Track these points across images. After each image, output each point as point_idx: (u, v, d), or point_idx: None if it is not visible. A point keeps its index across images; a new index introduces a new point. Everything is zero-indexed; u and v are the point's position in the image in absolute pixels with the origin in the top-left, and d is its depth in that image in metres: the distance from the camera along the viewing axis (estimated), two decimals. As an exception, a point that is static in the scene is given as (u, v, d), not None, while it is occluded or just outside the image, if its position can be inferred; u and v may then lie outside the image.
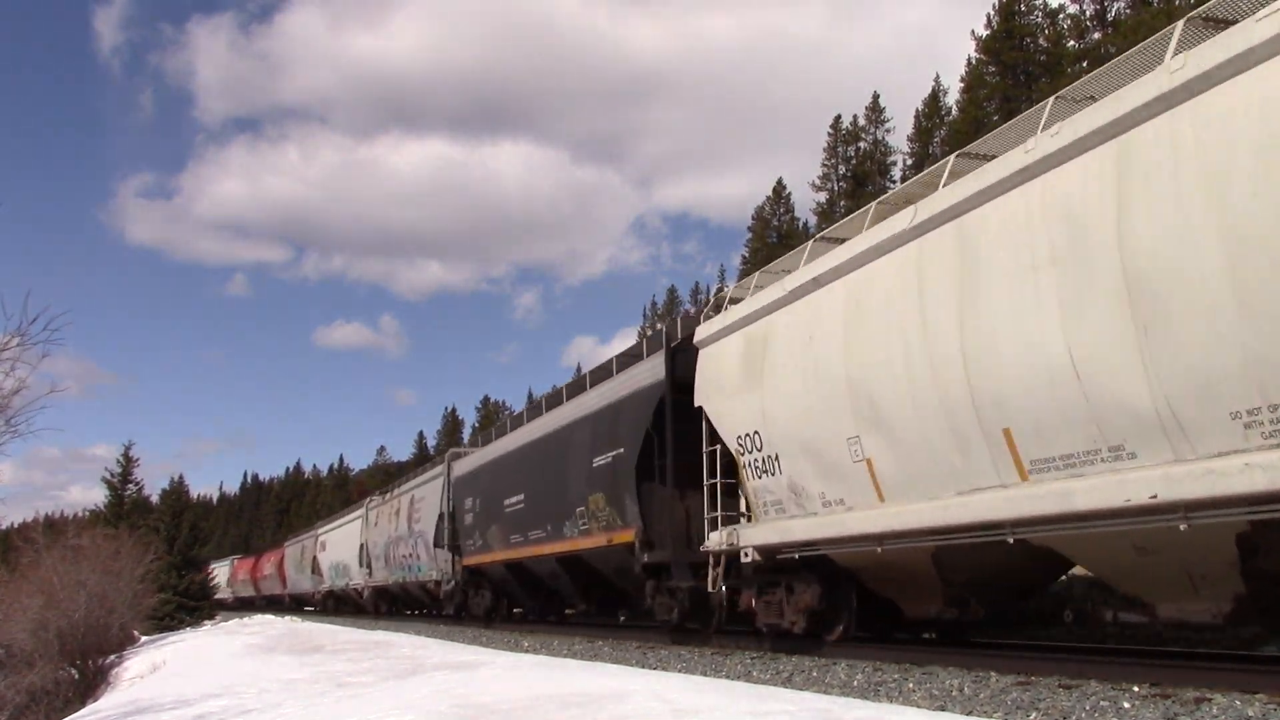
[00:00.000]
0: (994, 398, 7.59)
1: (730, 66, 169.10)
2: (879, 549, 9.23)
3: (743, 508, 11.73)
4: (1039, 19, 38.03)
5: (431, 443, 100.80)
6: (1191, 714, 5.82)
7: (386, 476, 79.03)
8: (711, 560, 11.98)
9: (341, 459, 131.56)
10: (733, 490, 11.82)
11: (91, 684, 20.82)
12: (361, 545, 34.20)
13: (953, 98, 43.04)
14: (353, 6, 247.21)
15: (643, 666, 11.45)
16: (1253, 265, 5.70)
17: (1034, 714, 6.48)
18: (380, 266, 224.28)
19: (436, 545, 24.38)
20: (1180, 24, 6.65)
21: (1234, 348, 5.83)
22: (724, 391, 11.66)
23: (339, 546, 38.44)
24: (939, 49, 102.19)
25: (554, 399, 18.86)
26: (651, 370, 13.74)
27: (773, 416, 10.60)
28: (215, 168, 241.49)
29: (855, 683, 8.49)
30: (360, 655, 14.31)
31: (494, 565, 20.74)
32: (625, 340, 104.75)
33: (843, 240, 10.17)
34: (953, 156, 8.96)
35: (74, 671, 21.91)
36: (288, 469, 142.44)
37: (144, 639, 30.60)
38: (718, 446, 11.83)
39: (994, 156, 8.13)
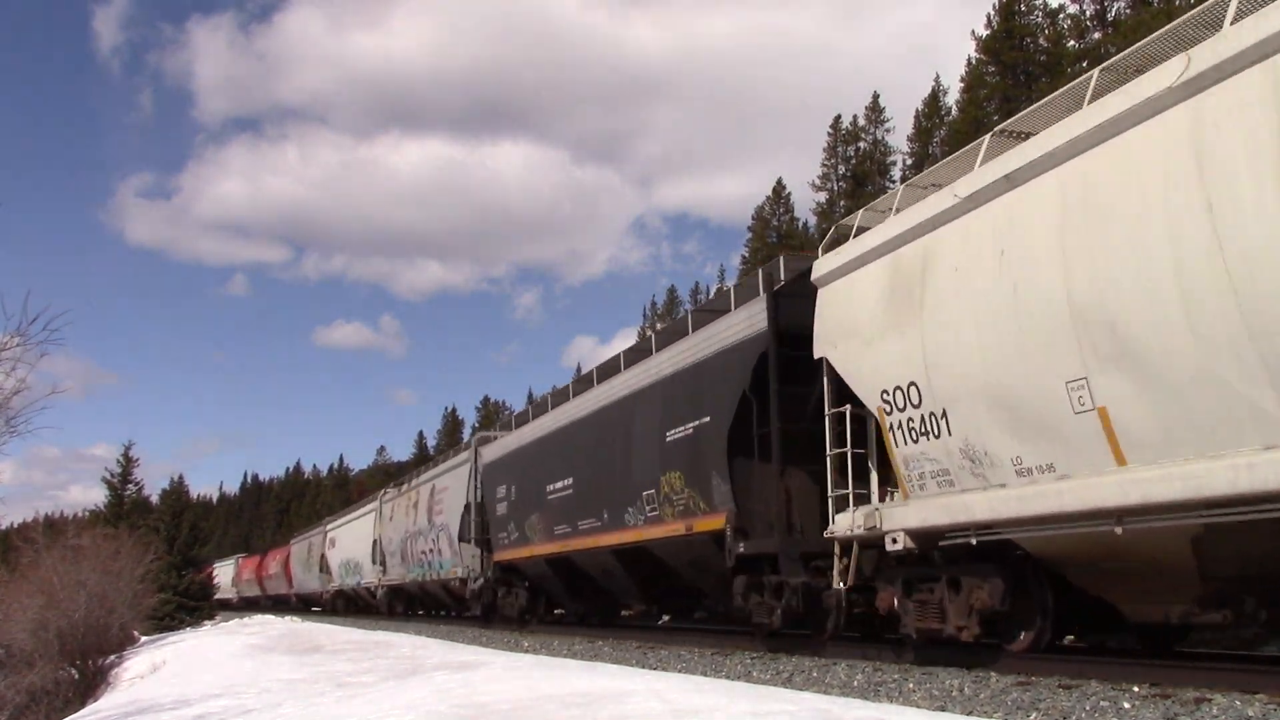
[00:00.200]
0: None
1: (730, 67, 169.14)
2: (1117, 529, 6.94)
3: (872, 485, 9.74)
4: (1039, 19, 38.01)
5: (431, 443, 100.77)
6: (1191, 714, 5.82)
7: (386, 476, 78.95)
8: (837, 550, 9.81)
9: (341, 459, 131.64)
10: (860, 463, 9.82)
11: (91, 684, 20.81)
12: (375, 541, 32.19)
13: (953, 98, 43.03)
14: (352, 6, 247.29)
15: (643, 666, 11.46)
16: None
17: (1034, 714, 6.48)
18: (380, 266, 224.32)
19: (461, 539, 22.29)
20: None
21: None
22: (859, 337, 9.42)
23: (350, 543, 36.40)
24: (939, 49, 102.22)
25: (608, 368, 16.52)
26: (748, 321, 11.43)
27: (938, 362, 8.38)
28: (215, 168, 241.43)
29: (855, 683, 8.49)
30: (360, 655, 14.31)
31: (532, 560, 18.62)
32: (626, 340, 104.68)
33: (1027, 135, 8.02)
34: None
35: (74, 671, 21.89)
36: (288, 469, 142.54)
37: (144, 639, 30.58)
38: (846, 407, 9.71)
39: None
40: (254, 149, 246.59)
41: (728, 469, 11.52)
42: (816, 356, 10.11)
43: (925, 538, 8.84)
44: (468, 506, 22.14)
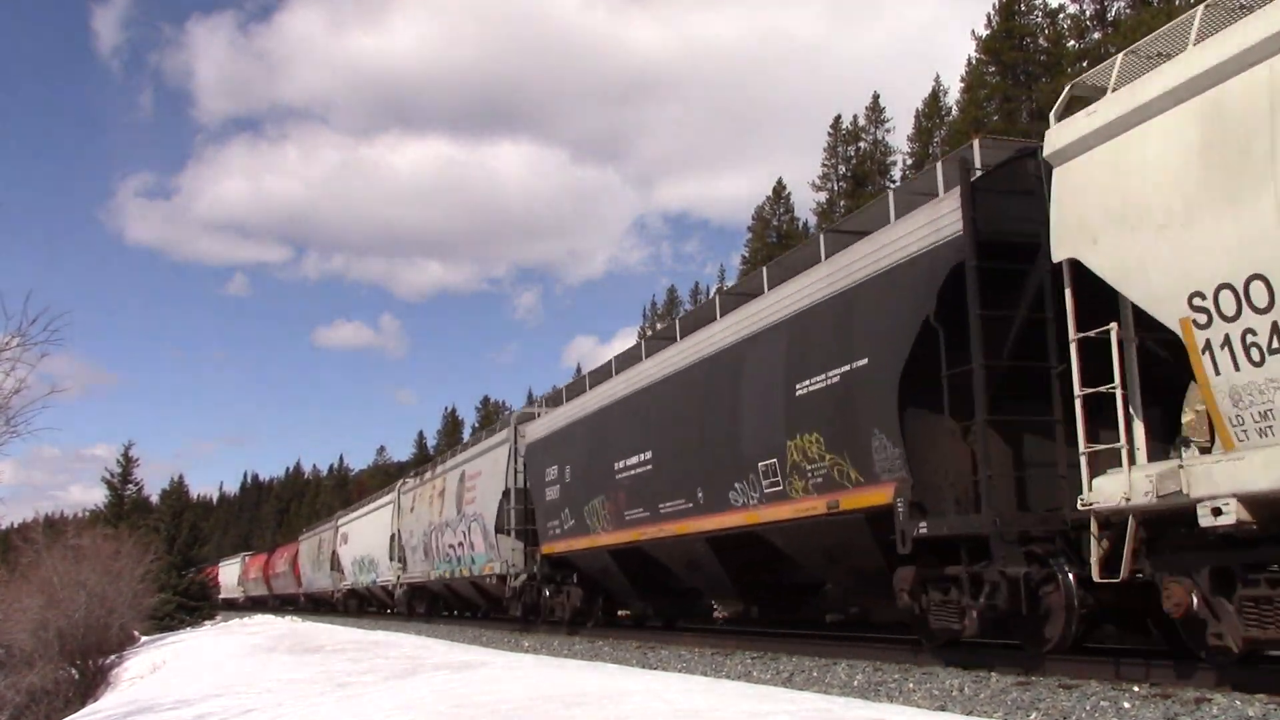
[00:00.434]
0: None
1: (730, 66, 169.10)
2: None
3: (1135, 436, 7.20)
4: (1039, 19, 38.01)
5: (431, 443, 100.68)
6: (1191, 714, 5.82)
7: (386, 477, 78.90)
8: (1094, 525, 7.34)
9: (341, 459, 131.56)
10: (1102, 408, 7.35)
11: (91, 684, 20.82)
12: (392, 535, 29.78)
13: (953, 98, 43.05)
14: (352, 6, 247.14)
15: (643, 666, 11.45)
16: None
17: (1034, 714, 6.49)
18: (380, 266, 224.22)
19: (499, 531, 19.73)
20: None
21: None
22: (1146, 221, 6.86)
23: (364, 538, 33.98)
24: (939, 49, 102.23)
25: (700, 316, 13.84)
26: (930, 227, 8.80)
27: None
28: (215, 167, 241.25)
29: (855, 683, 8.49)
30: (360, 655, 14.31)
31: (592, 553, 16.10)
32: (626, 340, 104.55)
33: None
34: None
35: (74, 671, 21.90)
36: (288, 469, 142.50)
37: (144, 639, 30.61)
38: (1111, 327, 7.21)
39: None
40: (254, 149, 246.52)
41: (898, 425, 8.89)
42: (1057, 259, 7.61)
43: (1272, 506, 6.20)
44: (506, 493, 19.70)
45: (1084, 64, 30.96)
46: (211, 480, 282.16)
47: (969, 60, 39.24)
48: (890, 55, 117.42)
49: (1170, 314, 6.71)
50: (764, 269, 12.46)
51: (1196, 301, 6.51)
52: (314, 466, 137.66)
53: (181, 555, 39.03)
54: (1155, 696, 6.38)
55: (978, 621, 8.36)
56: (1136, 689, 6.73)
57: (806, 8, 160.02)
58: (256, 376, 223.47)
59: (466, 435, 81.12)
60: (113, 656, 23.28)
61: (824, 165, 49.17)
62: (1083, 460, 7.44)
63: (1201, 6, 6.99)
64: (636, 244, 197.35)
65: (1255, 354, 6.18)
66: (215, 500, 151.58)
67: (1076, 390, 7.46)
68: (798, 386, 10.43)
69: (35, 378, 9.10)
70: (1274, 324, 6.05)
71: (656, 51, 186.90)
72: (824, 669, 9.43)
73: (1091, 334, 7.37)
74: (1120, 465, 7.06)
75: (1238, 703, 5.90)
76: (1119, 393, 7.18)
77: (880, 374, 9.18)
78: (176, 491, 46.28)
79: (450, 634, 20.92)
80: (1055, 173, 7.76)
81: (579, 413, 16.93)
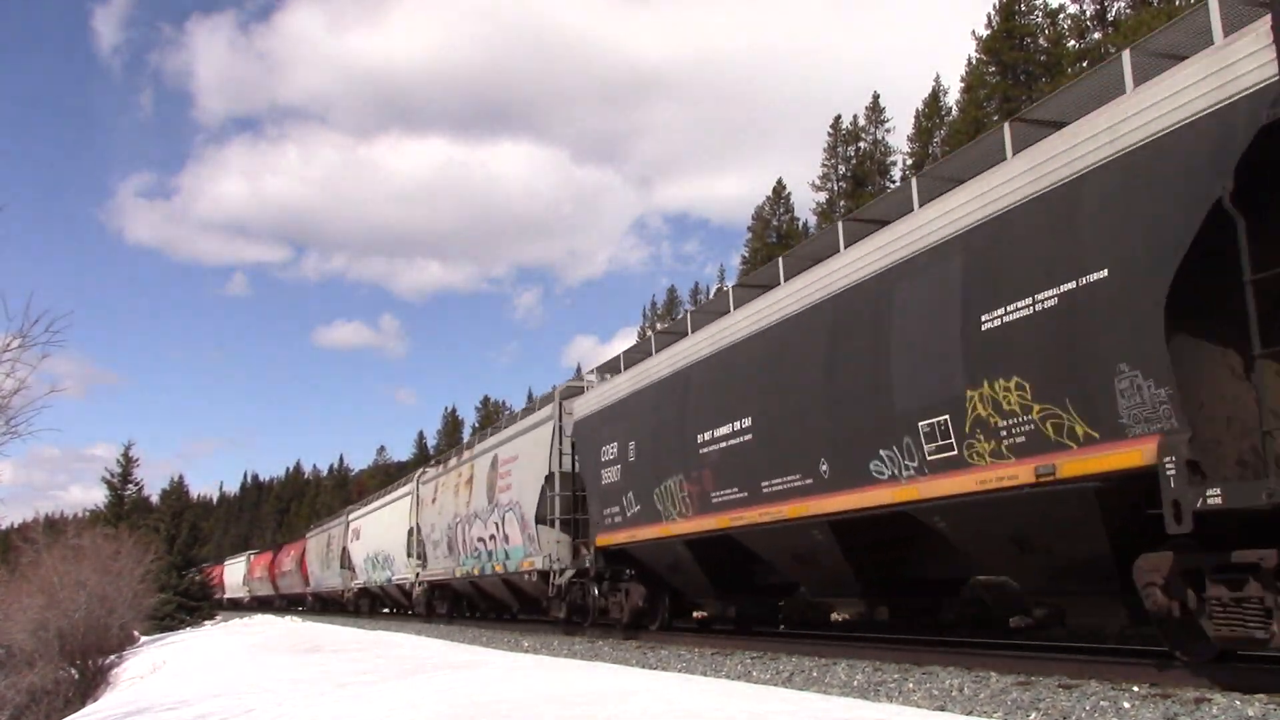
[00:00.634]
0: None
1: (730, 66, 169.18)
2: None
3: None
4: (1039, 19, 38.03)
5: (431, 443, 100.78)
6: (1191, 714, 5.83)
7: (386, 477, 78.95)
8: None
9: (341, 459, 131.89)
10: None
11: (91, 684, 20.82)
12: (411, 529, 27.67)
13: (953, 98, 43.08)
14: (352, 6, 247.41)
15: (643, 666, 11.45)
16: None
17: (1034, 714, 6.49)
18: (380, 266, 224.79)
19: (539, 521, 17.50)
20: None
21: None
22: None
23: (378, 533, 31.77)
24: (939, 49, 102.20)
25: (810, 252, 11.54)
26: (1215, 80, 6.49)
27: None
28: (215, 167, 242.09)
29: (855, 683, 8.48)
30: (361, 655, 14.31)
31: (661, 544, 13.69)
32: (626, 340, 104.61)
33: None
34: None
35: (74, 671, 21.89)
36: (288, 469, 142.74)
37: (144, 639, 30.60)
38: None
39: None
40: (254, 149, 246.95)
41: (1165, 357, 6.63)
42: None
43: None
44: (549, 478, 17.48)
45: (1084, 64, 30.96)
46: (211, 480, 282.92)
47: (969, 60, 39.30)
48: (890, 55, 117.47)
49: None
50: (912, 180, 9.82)
51: None
52: (314, 466, 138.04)
53: (181, 555, 39.06)
54: (1155, 696, 6.38)
55: None
56: (1136, 689, 6.73)
57: (807, 8, 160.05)
58: (256, 376, 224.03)
59: (466, 435, 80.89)
60: (113, 656, 23.27)
61: (824, 165, 49.25)
62: None
63: None
64: (636, 244, 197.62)
65: None
66: (215, 500, 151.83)
67: None
68: (984, 319, 8.12)
69: (35, 378, 9.09)
70: None
71: (656, 51, 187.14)
72: (824, 669, 9.42)
73: None
74: None
75: (1237, 703, 5.90)
76: None
77: (1132, 289, 6.86)
78: (176, 491, 46.38)
79: (449, 634, 20.90)
80: None
81: (645, 379, 14.35)
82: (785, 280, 11.35)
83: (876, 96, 50.03)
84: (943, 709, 7.03)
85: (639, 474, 14.19)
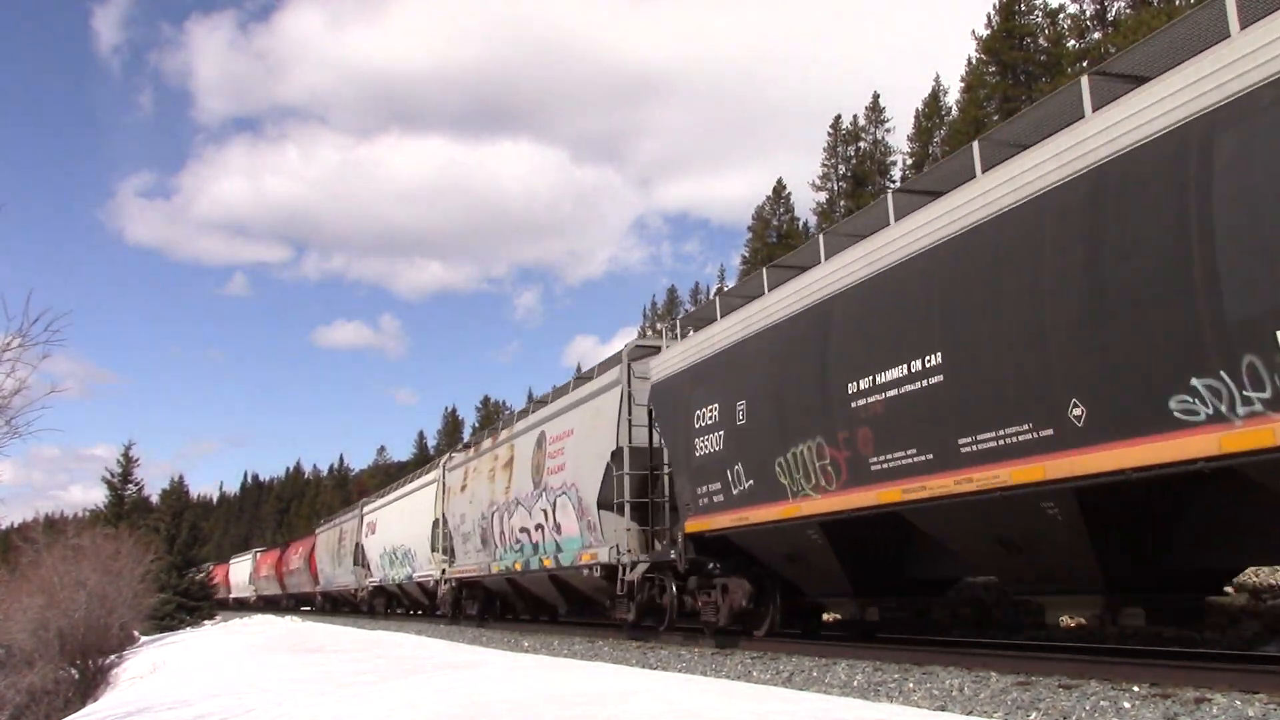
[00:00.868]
0: None
1: (730, 66, 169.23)
2: None
3: None
4: (1039, 19, 38.05)
5: (431, 443, 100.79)
6: (1191, 714, 5.83)
7: (386, 477, 78.88)
8: None
9: (341, 459, 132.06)
10: None
11: (91, 684, 20.81)
12: (436, 521, 24.69)
13: (953, 98, 43.09)
14: (352, 6, 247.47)
15: (643, 666, 11.45)
16: None
17: (1034, 714, 6.49)
18: (380, 266, 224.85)
19: (603, 506, 14.69)
20: None
21: None
22: None
23: (397, 526, 28.89)
24: (939, 48, 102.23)
25: (1045, 112, 8.17)
26: None
27: None
28: (215, 167, 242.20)
29: (855, 683, 8.49)
30: (361, 655, 14.31)
31: (784, 527, 10.64)
32: (626, 339, 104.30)
33: None
34: None
35: (74, 671, 21.89)
36: (288, 469, 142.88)
37: (144, 639, 30.60)
38: None
39: None
40: (254, 149, 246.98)
41: None
42: None
43: None
44: (616, 454, 14.53)
45: (1084, 64, 30.96)
46: (211, 480, 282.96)
47: (969, 60, 39.32)
48: (890, 55, 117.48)
49: None
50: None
51: None
52: (314, 466, 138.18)
53: (181, 555, 39.06)
54: (1155, 696, 6.39)
55: None
56: (1136, 689, 6.73)
57: (807, 8, 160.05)
58: (256, 376, 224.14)
59: (467, 435, 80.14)
60: (113, 656, 23.26)
61: (824, 165, 49.26)
62: None
63: None
64: (636, 244, 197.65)
65: None
66: (215, 500, 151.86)
67: None
68: None
69: (35, 378, 9.07)
70: None
71: (656, 51, 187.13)
72: (824, 669, 9.42)
73: None
74: None
75: (1237, 703, 5.90)
76: None
77: None
78: (176, 491, 46.28)
79: (449, 634, 20.90)
80: None
81: (757, 323, 11.34)
82: (982, 174, 8.25)
83: (876, 96, 50.07)
84: (943, 709, 7.04)
85: (752, 441, 11.19)
